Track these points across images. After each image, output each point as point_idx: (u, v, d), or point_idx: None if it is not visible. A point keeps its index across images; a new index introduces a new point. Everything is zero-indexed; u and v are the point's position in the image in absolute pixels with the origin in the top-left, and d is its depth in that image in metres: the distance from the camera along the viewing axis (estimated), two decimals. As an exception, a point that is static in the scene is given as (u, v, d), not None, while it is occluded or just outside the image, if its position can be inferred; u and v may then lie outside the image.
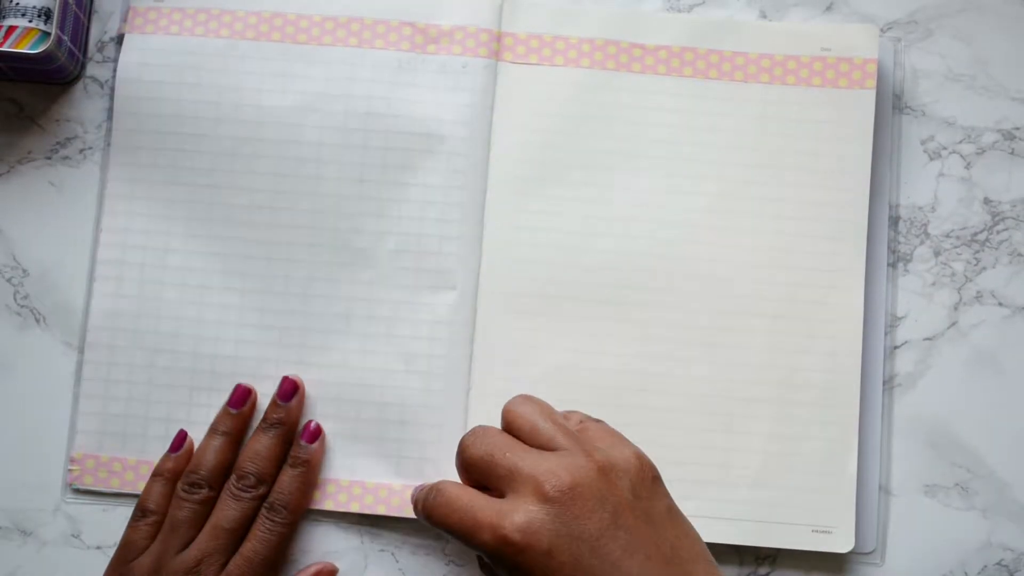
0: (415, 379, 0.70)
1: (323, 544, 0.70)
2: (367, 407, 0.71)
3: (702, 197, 0.72)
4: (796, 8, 0.75)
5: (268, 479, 0.68)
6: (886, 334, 0.71)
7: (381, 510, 0.70)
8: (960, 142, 0.73)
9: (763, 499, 0.69)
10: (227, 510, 0.66)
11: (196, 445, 0.70)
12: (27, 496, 0.71)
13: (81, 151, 0.74)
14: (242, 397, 0.70)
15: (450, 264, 0.71)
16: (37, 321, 0.73)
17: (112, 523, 0.71)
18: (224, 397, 0.70)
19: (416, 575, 0.70)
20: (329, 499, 0.70)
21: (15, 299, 0.73)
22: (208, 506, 0.67)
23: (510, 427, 0.59)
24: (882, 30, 0.74)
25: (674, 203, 0.72)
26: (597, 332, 0.71)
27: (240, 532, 0.66)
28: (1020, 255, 0.72)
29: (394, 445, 0.70)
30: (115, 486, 0.70)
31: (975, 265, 0.72)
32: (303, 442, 0.69)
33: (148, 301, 0.71)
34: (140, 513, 0.68)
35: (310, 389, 0.71)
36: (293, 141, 0.72)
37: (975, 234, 0.72)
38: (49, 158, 0.74)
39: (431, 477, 0.69)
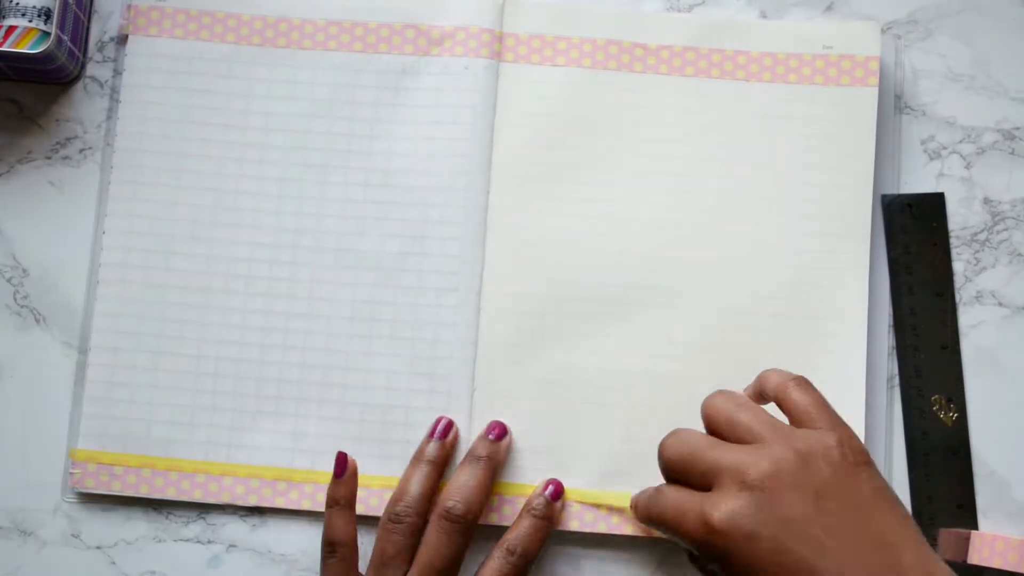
0: (419, 380, 0.70)
1: (323, 543, 0.71)
2: (371, 409, 0.71)
3: (705, 196, 0.72)
4: (796, 8, 0.75)
5: (475, 512, 0.66)
6: (888, 333, 0.71)
7: (386, 512, 0.70)
8: (960, 142, 0.73)
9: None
10: (439, 547, 0.64)
11: (185, 445, 0.69)
12: (27, 496, 0.71)
13: (81, 151, 0.74)
14: (446, 429, 0.69)
15: (453, 265, 0.71)
16: (37, 321, 0.73)
17: (112, 523, 0.71)
18: (225, 400, 0.71)
19: (416, 574, 0.71)
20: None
21: (15, 299, 0.73)
22: (415, 536, 0.65)
23: (708, 422, 0.60)
24: (882, 30, 0.74)
25: (677, 202, 0.72)
26: (601, 332, 0.71)
27: (453, 570, 0.65)
28: (1020, 255, 0.72)
29: (399, 447, 0.70)
30: (116, 489, 0.70)
31: (975, 265, 0.72)
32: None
33: (151, 303, 0.71)
34: (330, 549, 0.66)
35: (313, 391, 0.71)
36: (300, 147, 0.72)
37: (975, 234, 0.72)
38: (49, 158, 0.74)
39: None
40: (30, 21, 0.71)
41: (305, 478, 0.70)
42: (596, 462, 0.69)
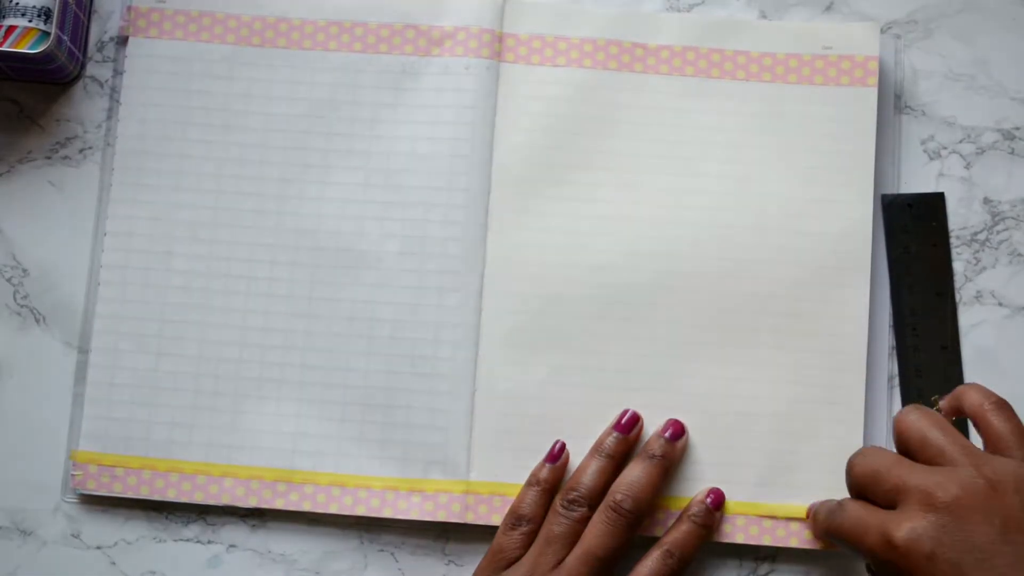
0: (420, 381, 0.70)
1: (322, 544, 0.70)
2: (372, 409, 0.71)
3: (705, 196, 0.72)
4: (796, 8, 0.75)
5: (644, 508, 0.66)
6: (888, 333, 0.71)
7: (388, 513, 0.70)
8: (960, 142, 0.73)
9: (768, 497, 0.69)
10: (603, 536, 0.65)
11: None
12: (27, 496, 0.71)
13: (81, 151, 0.74)
14: (631, 423, 0.69)
15: (454, 266, 0.71)
16: (37, 321, 0.73)
17: (112, 523, 0.71)
18: (226, 401, 0.71)
19: (415, 575, 0.70)
20: (335, 502, 0.70)
21: (15, 299, 0.73)
22: (583, 524, 0.66)
23: (899, 438, 0.60)
24: (882, 30, 0.74)
25: (677, 202, 0.72)
26: (602, 332, 0.71)
27: (612, 561, 0.65)
28: (1020, 255, 0.72)
29: (400, 447, 0.70)
30: (118, 491, 0.70)
31: (975, 265, 0.72)
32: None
33: (152, 305, 0.71)
34: (515, 521, 0.67)
35: (313, 392, 0.71)
36: (300, 148, 0.72)
37: (975, 234, 0.72)
38: (49, 158, 0.74)
39: (437, 479, 0.69)
40: (30, 21, 0.71)
41: (305, 479, 0.70)
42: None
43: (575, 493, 0.67)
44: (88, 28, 0.75)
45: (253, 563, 0.71)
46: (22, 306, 0.73)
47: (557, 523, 0.66)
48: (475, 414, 0.70)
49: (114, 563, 0.71)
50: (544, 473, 0.68)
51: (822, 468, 0.69)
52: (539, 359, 0.71)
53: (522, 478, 0.69)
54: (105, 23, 0.75)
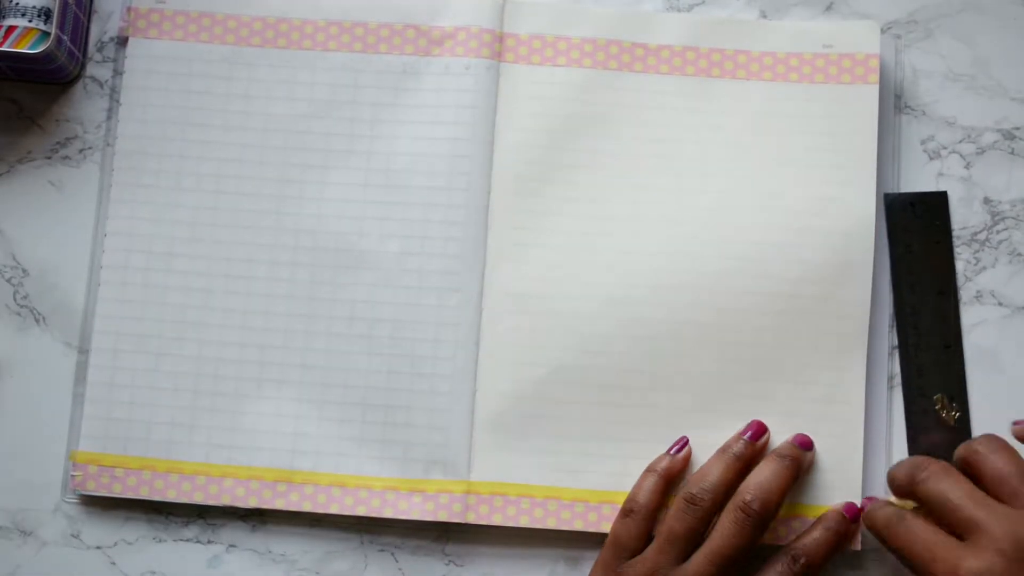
0: (420, 381, 0.70)
1: (323, 544, 0.70)
2: (372, 410, 0.71)
3: (706, 195, 0.72)
4: (796, 8, 0.75)
5: (772, 510, 0.65)
6: (889, 332, 0.71)
7: (388, 513, 0.70)
8: (960, 142, 0.73)
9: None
10: (731, 537, 0.64)
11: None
12: (27, 496, 0.71)
13: (81, 151, 0.74)
14: (758, 433, 0.68)
15: (454, 265, 0.71)
16: (37, 321, 0.73)
17: (112, 523, 0.71)
18: (226, 401, 0.71)
19: (415, 575, 0.70)
20: (335, 502, 0.70)
21: (15, 299, 0.73)
22: (704, 522, 0.65)
23: (973, 465, 0.60)
24: (882, 30, 0.74)
25: (678, 201, 0.72)
26: (602, 332, 0.71)
27: (740, 562, 0.64)
28: (1020, 255, 0.72)
29: (400, 447, 0.70)
30: (117, 491, 0.70)
31: (975, 265, 0.72)
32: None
33: (152, 305, 0.71)
34: (629, 507, 0.66)
35: (313, 392, 0.71)
36: (300, 148, 0.72)
37: (975, 234, 0.72)
38: (49, 158, 0.74)
39: (438, 479, 0.69)
40: (30, 21, 0.71)
41: (306, 479, 0.70)
42: (601, 462, 0.69)
43: (699, 488, 0.65)
44: (88, 28, 0.75)
45: (253, 563, 0.71)
46: (22, 306, 0.73)
47: (679, 520, 0.65)
48: (475, 414, 0.70)
49: (114, 563, 0.71)
50: (665, 462, 0.68)
51: (822, 468, 0.69)
52: (540, 359, 0.71)
53: (523, 478, 0.69)
54: (105, 23, 0.75)
